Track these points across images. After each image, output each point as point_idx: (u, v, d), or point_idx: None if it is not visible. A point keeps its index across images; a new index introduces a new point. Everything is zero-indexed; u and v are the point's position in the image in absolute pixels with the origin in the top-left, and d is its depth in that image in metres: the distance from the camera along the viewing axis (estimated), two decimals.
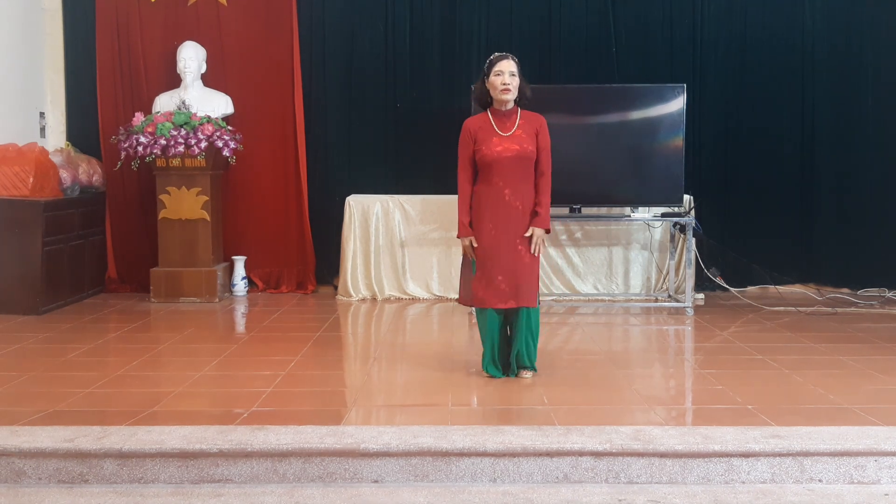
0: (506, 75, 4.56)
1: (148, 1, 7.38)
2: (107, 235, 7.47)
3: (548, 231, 4.64)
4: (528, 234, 4.58)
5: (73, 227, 6.88)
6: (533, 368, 4.72)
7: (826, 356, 5.21)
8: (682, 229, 6.81)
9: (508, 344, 4.72)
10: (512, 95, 4.60)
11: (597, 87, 7.05)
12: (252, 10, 7.41)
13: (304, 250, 7.49)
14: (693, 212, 6.86)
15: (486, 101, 4.68)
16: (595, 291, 7.26)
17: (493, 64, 4.62)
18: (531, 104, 4.72)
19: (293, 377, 4.70)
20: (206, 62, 7.28)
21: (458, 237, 4.69)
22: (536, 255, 4.59)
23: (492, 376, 4.70)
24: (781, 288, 7.40)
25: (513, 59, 4.62)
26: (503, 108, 4.64)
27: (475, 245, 4.61)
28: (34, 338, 5.66)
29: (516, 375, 4.69)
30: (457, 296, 7.00)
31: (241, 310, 6.85)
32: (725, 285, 7.24)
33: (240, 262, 7.39)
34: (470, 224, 4.62)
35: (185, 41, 7.19)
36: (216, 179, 7.13)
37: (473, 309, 4.85)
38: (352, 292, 7.19)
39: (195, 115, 6.91)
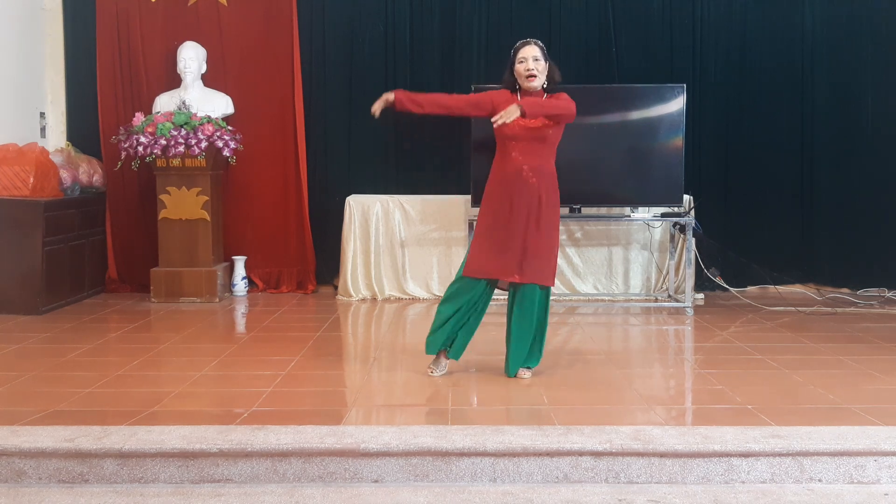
0: (529, 61, 4.56)
1: (148, 1, 7.38)
2: (107, 235, 7.47)
3: (523, 113, 4.41)
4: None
5: (74, 227, 6.88)
6: (532, 366, 4.70)
7: (826, 356, 5.21)
8: (682, 229, 6.81)
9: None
10: (538, 81, 4.59)
11: (597, 87, 7.05)
12: (252, 10, 7.41)
13: (303, 250, 7.50)
14: (693, 212, 6.86)
15: (515, 90, 4.67)
16: (595, 291, 7.26)
17: (516, 52, 4.63)
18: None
19: (293, 377, 4.70)
20: (207, 62, 7.28)
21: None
22: (497, 122, 4.43)
23: (431, 368, 4.71)
24: (781, 288, 7.40)
25: (536, 43, 4.62)
26: (530, 91, 4.63)
27: (389, 100, 4.59)
28: (34, 338, 5.66)
29: (515, 375, 4.68)
30: None
31: (241, 310, 6.86)
32: (725, 285, 7.24)
33: (240, 262, 7.39)
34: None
35: (185, 41, 7.19)
36: (216, 179, 7.13)
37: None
38: (352, 292, 7.19)
39: (195, 115, 6.91)
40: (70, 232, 6.82)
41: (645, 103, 6.76)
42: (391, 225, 7.23)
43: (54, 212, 6.54)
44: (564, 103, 4.52)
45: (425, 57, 7.50)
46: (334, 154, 7.56)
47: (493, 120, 4.43)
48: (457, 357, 4.78)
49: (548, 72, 4.63)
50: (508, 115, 4.34)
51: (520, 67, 4.58)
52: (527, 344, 4.66)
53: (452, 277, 7.07)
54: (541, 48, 4.62)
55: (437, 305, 4.79)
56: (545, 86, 4.65)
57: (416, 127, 7.45)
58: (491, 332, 5.23)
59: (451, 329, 4.68)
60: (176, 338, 5.73)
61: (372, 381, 4.71)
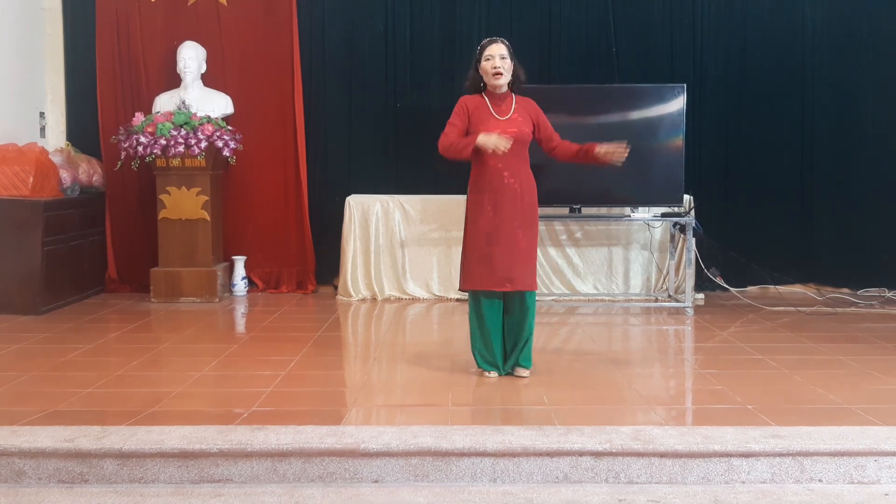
0: (496, 59, 4.58)
1: (148, 1, 7.38)
2: (107, 235, 7.47)
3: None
4: (602, 151, 4.53)
5: (73, 227, 6.88)
6: (530, 365, 4.70)
7: (826, 356, 5.21)
8: (682, 229, 6.81)
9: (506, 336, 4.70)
10: (504, 79, 4.62)
11: (597, 87, 7.05)
12: (252, 10, 7.41)
13: (303, 250, 7.50)
14: (693, 212, 6.86)
15: (480, 88, 4.70)
16: (595, 291, 7.26)
17: (483, 49, 4.66)
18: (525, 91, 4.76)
19: (293, 377, 4.70)
20: (206, 62, 7.28)
21: (478, 143, 4.42)
22: (615, 157, 4.52)
23: (485, 372, 4.69)
24: (781, 288, 7.39)
25: (503, 42, 4.65)
26: (497, 92, 4.66)
27: (505, 140, 4.42)
28: (34, 338, 5.66)
29: (512, 373, 4.68)
30: (457, 296, 7.07)
31: (241, 310, 6.86)
32: (725, 285, 7.24)
33: (240, 262, 7.39)
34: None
35: (185, 41, 7.19)
36: (216, 179, 7.13)
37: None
38: (352, 292, 7.19)
39: (195, 115, 6.91)
40: (70, 232, 6.81)
41: (645, 103, 6.76)
42: (391, 225, 7.23)
43: (54, 212, 6.54)
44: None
45: (425, 57, 7.50)
46: (334, 154, 7.56)
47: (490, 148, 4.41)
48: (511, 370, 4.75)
49: (513, 71, 4.65)
50: (499, 143, 4.39)
51: (486, 65, 4.61)
52: (522, 345, 4.67)
53: (452, 277, 7.19)
54: (507, 47, 4.64)
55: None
56: (511, 84, 4.68)
57: (415, 127, 7.46)
58: None
59: (490, 340, 4.68)
60: (176, 338, 5.73)
61: (372, 381, 4.71)
